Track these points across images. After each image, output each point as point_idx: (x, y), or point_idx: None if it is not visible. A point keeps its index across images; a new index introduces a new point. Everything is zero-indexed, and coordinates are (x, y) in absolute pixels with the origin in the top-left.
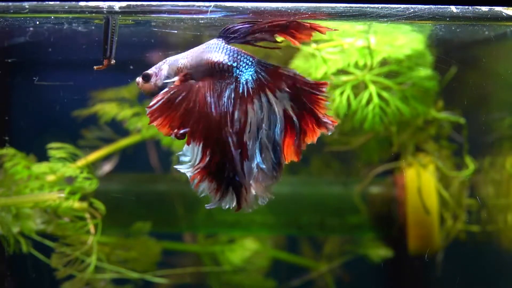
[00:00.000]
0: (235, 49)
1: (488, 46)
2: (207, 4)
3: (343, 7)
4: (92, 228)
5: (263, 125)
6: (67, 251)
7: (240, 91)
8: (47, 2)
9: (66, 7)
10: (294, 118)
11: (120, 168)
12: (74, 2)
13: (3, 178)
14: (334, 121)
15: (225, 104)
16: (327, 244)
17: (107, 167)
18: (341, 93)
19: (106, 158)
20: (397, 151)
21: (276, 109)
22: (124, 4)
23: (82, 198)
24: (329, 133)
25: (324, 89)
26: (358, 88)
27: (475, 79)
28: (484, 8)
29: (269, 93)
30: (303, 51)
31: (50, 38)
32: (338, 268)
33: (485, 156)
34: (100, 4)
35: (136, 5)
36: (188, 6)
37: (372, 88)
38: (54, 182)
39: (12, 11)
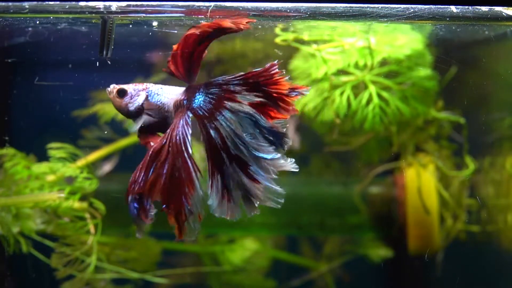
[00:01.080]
0: (188, 85)
1: (488, 46)
2: (207, 4)
3: (343, 7)
4: (92, 228)
5: (244, 133)
6: (67, 251)
7: (201, 113)
8: (47, 2)
9: (66, 7)
10: (264, 100)
11: (120, 168)
12: (74, 2)
13: (3, 178)
14: (299, 87)
15: (180, 131)
16: (327, 244)
17: (107, 167)
18: (341, 93)
19: (106, 158)
20: (397, 151)
21: (243, 109)
22: (124, 4)
23: (82, 198)
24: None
25: (272, 68)
26: (358, 88)
27: (475, 79)
28: (484, 8)
29: (227, 103)
30: (303, 51)
31: (50, 38)
32: (338, 268)
33: (485, 156)
34: (100, 4)
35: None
36: (188, 6)
37: (372, 88)
38: (54, 182)
39: (12, 11)
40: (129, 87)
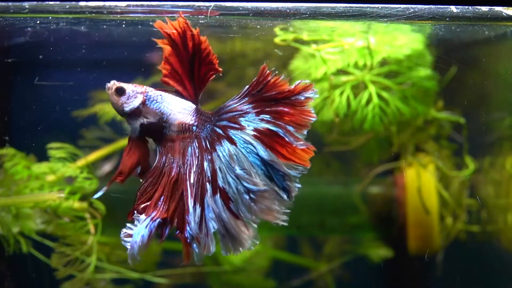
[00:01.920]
0: (198, 109)
1: (488, 46)
2: (207, 4)
3: (343, 7)
4: (92, 228)
5: (235, 166)
6: (67, 251)
7: (204, 145)
8: (47, 2)
9: (66, 7)
10: (270, 126)
11: None
12: (74, 2)
13: (3, 178)
14: (306, 86)
15: (189, 161)
16: (327, 244)
17: (107, 167)
18: (341, 93)
19: (106, 158)
20: (397, 151)
21: (245, 138)
22: (124, 4)
23: (82, 198)
24: (311, 99)
25: (267, 72)
26: (358, 88)
27: (475, 79)
28: (484, 8)
29: (230, 130)
30: (303, 51)
31: (50, 38)
32: (338, 268)
33: (485, 156)
34: (100, 4)
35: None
36: (188, 6)
37: (372, 88)
38: (54, 182)
39: (12, 11)
40: (128, 87)
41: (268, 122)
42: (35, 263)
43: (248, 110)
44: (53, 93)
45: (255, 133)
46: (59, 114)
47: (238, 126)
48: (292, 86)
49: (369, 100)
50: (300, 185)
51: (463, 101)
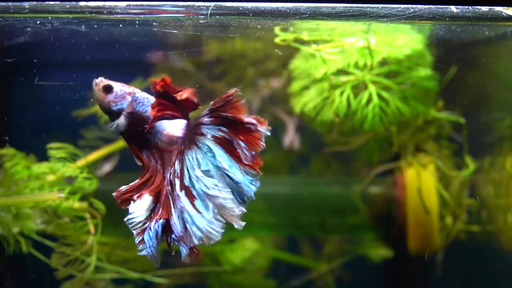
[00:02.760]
0: (188, 123)
1: (488, 46)
2: (207, 4)
3: (343, 7)
4: (92, 228)
5: (196, 167)
6: (67, 251)
7: (181, 149)
8: (47, 2)
9: (67, 7)
10: (226, 136)
11: (120, 168)
12: (74, 2)
13: (3, 178)
14: (260, 120)
15: (173, 169)
16: (327, 244)
17: (107, 167)
18: (341, 93)
19: (106, 158)
20: (397, 151)
21: (205, 142)
22: (124, 4)
23: (82, 198)
24: (262, 131)
25: (231, 94)
26: (358, 88)
27: (475, 79)
28: (484, 8)
29: (198, 137)
30: (303, 51)
31: (50, 38)
32: (338, 268)
33: (485, 156)
34: (100, 4)
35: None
36: (189, 6)
37: (372, 88)
38: (54, 182)
39: (12, 11)
40: (116, 86)
41: (224, 132)
42: (35, 263)
43: (209, 122)
44: (53, 93)
45: (214, 139)
46: (59, 114)
47: (201, 133)
48: (248, 118)
49: (369, 100)
50: (257, 186)
51: (463, 101)
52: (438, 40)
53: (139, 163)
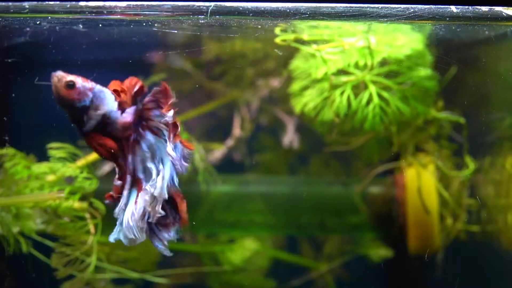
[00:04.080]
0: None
1: (488, 46)
2: (207, 4)
3: (343, 7)
4: (92, 228)
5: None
6: (67, 251)
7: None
8: (47, 2)
9: (67, 7)
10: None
11: None
12: (74, 2)
13: (3, 178)
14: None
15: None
16: (327, 244)
17: (107, 167)
18: (341, 93)
19: None
20: (397, 151)
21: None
22: (124, 4)
23: (82, 198)
24: (169, 120)
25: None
26: (358, 88)
27: (475, 79)
28: (484, 8)
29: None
30: (303, 51)
31: (50, 38)
32: (338, 268)
33: (485, 156)
34: (100, 4)
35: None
36: (189, 6)
37: (372, 88)
38: (54, 182)
39: (12, 11)
40: (78, 82)
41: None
42: (35, 263)
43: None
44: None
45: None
46: (59, 114)
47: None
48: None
49: (369, 100)
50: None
51: (463, 101)
52: (438, 40)
53: (111, 161)
